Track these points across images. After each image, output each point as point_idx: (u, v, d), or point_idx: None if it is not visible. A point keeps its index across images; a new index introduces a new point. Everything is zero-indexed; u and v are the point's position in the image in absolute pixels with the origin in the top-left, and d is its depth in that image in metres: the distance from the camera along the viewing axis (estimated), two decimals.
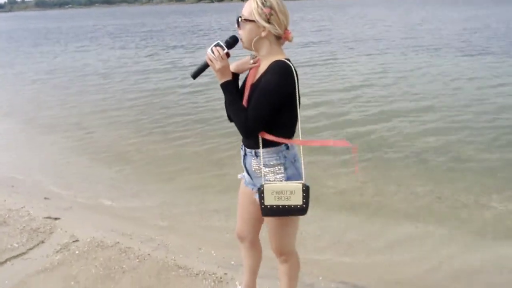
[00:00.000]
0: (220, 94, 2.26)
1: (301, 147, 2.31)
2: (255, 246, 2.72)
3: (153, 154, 6.73)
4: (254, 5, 2.11)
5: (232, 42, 2.20)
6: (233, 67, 2.28)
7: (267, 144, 2.20)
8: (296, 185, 2.16)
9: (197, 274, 3.36)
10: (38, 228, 4.14)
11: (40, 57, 20.60)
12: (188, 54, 19.00)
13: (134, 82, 12.76)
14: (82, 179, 5.86)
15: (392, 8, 57.56)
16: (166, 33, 32.90)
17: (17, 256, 3.65)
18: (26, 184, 5.63)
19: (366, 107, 8.79)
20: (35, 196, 5.16)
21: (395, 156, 6.14)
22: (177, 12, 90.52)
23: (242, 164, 2.41)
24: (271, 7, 2.10)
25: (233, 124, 2.26)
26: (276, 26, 2.13)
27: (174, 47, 21.93)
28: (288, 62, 2.13)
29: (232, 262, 3.55)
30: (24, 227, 4.17)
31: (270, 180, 2.23)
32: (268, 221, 2.37)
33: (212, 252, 3.76)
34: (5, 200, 4.86)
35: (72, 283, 3.23)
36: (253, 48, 2.20)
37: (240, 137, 2.30)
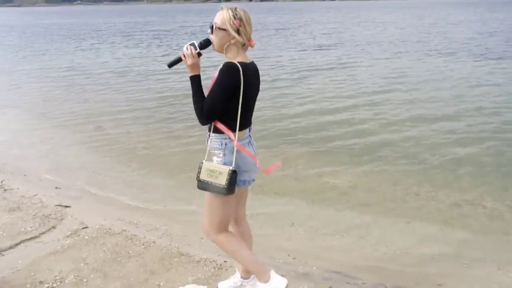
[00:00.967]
0: None
1: (235, 140, 2.56)
2: (238, 224, 2.96)
3: (159, 150, 6.97)
4: (226, 16, 2.50)
5: (204, 44, 2.59)
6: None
7: (216, 130, 2.59)
8: (225, 168, 2.55)
9: (198, 261, 3.57)
10: (50, 215, 4.38)
11: (56, 53, 20.91)
12: (204, 54, 19.12)
13: (147, 81, 12.98)
14: (91, 171, 6.10)
15: (401, 11, 57.50)
16: (180, 32, 33.28)
17: (30, 239, 3.89)
18: (37, 174, 5.89)
19: (388, 113, 8.74)
20: (46, 185, 5.42)
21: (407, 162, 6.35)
22: (186, 11, 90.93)
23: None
24: (240, 19, 2.50)
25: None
26: (243, 36, 2.53)
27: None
28: (235, 63, 2.48)
29: None
30: (36, 213, 4.41)
31: (212, 161, 2.63)
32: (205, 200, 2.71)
33: None
34: (18, 188, 5.11)
35: (82, 264, 3.45)
36: (223, 52, 2.57)
37: None
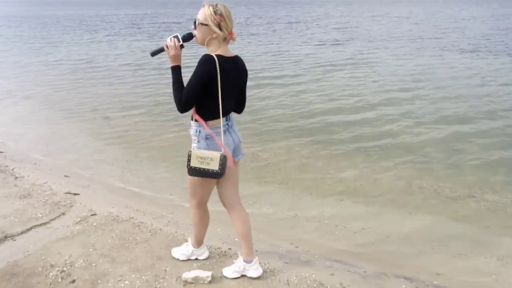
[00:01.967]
0: None
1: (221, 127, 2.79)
2: (233, 209, 3.10)
3: (165, 141, 7.07)
4: (208, 12, 2.68)
5: (187, 37, 2.78)
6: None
7: (194, 119, 2.81)
8: (216, 154, 2.74)
9: None
10: (59, 202, 4.49)
11: (70, 45, 20.88)
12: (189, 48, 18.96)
13: (161, 75, 12.87)
14: (100, 161, 6.23)
15: (414, 5, 56.71)
16: (190, 24, 33.03)
17: (41, 225, 4.00)
18: (47, 163, 6.02)
19: (416, 112, 8.44)
20: (56, 173, 5.53)
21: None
22: (196, 2, 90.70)
23: None
24: (221, 15, 2.68)
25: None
26: (224, 30, 2.71)
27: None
28: (211, 54, 2.67)
29: (236, 239, 3.83)
30: (46, 200, 4.52)
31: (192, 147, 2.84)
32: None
33: (218, 230, 4.05)
34: (29, 176, 5.22)
35: (91, 249, 3.55)
36: (205, 45, 2.75)
37: None
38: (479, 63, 13.88)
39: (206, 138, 2.79)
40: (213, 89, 2.69)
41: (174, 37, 2.78)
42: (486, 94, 9.83)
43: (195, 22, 2.74)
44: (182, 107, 2.72)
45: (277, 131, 7.38)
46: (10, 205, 4.36)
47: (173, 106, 2.79)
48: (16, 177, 5.17)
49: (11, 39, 24.34)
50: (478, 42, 18.86)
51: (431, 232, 4.27)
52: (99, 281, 3.12)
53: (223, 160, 2.73)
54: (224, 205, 3.13)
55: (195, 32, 2.75)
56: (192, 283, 3.08)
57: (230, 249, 3.64)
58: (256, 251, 3.60)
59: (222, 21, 2.68)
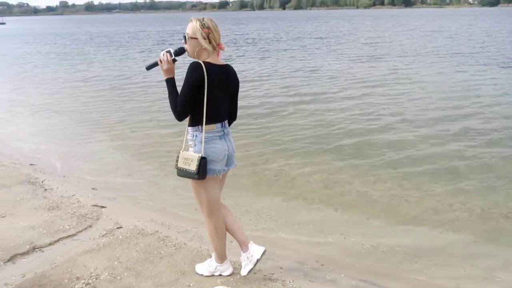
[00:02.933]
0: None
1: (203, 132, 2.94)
2: (219, 209, 3.28)
3: None
4: (196, 26, 2.88)
5: (179, 52, 2.99)
6: None
7: (190, 124, 3.01)
8: (195, 156, 2.93)
9: None
10: (86, 214, 4.55)
11: (106, 61, 21.51)
12: (254, 62, 19.21)
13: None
14: (126, 174, 6.30)
15: (443, 19, 55.72)
16: (222, 40, 33.52)
17: (68, 237, 4.05)
18: (75, 175, 6.13)
19: (470, 134, 7.91)
20: (83, 186, 5.63)
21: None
22: (222, 18, 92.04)
23: None
24: (208, 28, 2.89)
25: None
26: (213, 42, 2.91)
27: (240, 56, 21.74)
28: (199, 62, 2.86)
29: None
30: (74, 212, 4.59)
31: (189, 151, 3.02)
32: None
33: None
34: (57, 188, 5.33)
35: (116, 263, 3.57)
36: (195, 57, 2.96)
37: None
38: None
39: (202, 142, 2.94)
40: (202, 96, 2.87)
41: (167, 52, 2.97)
42: None
43: (185, 37, 2.94)
44: (179, 115, 2.91)
45: (325, 150, 7.33)
46: (39, 216, 4.45)
47: None
48: (46, 189, 5.28)
49: (49, 56, 25.18)
50: None
51: (464, 251, 4.13)
52: None
53: (201, 162, 2.89)
54: None
55: (186, 46, 2.96)
56: None
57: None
58: (281, 268, 3.57)
59: (210, 33, 2.89)
